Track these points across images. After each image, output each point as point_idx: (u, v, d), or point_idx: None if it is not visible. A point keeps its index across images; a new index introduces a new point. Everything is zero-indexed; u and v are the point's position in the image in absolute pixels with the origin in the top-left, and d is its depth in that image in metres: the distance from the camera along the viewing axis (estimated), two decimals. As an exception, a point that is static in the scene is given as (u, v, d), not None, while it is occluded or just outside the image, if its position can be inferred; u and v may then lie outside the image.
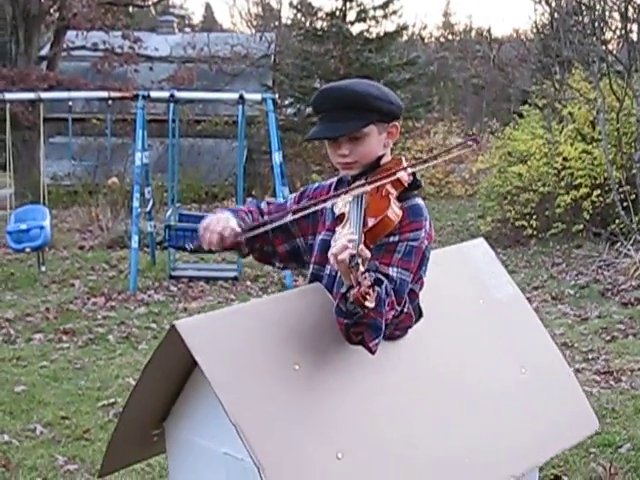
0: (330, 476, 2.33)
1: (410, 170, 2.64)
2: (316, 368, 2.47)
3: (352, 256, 2.24)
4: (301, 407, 2.39)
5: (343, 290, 2.39)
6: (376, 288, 2.33)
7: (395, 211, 2.48)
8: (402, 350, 2.70)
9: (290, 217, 2.78)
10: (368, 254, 2.30)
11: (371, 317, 2.39)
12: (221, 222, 2.65)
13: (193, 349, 2.32)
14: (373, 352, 2.49)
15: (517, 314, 3.21)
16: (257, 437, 2.25)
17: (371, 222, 2.43)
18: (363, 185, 2.57)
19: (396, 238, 2.56)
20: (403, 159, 2.68)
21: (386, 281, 2.47)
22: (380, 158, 2.68)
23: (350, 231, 2.38)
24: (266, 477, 2.20)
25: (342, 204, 2.55)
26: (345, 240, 2.31)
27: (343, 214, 2.50)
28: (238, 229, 2.67)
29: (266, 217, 2.84)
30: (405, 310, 2.62)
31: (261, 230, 2.73)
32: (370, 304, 2.23)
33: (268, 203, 2.95)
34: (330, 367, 2.50)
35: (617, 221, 11.04)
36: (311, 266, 2.79)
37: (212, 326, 2.44)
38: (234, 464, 2.47)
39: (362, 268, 2.23)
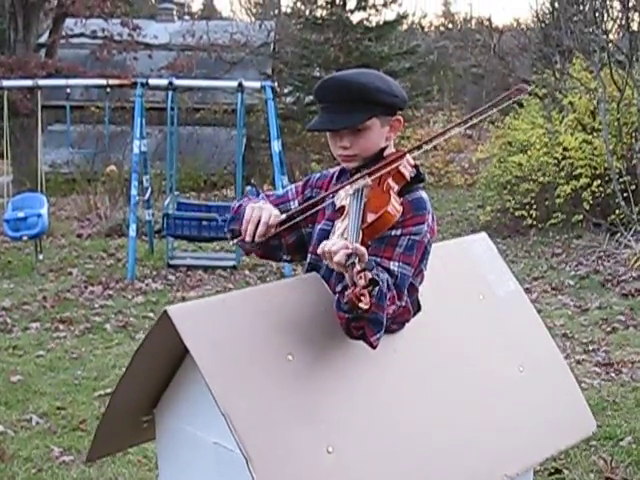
0: (319, 470, 2.31)
1: (410, 157, 2.61)
2: (310, 359, 2.44)
3: (348, 255, 2.20)
4: (293, 399, 2.37)
5: (339, 289, 2.36)
6: (377, 287, 2.29)
7: (395, 207, 2.43)
8: (399, 344, 2.66)
9: (317, 207, 2.69)
10: (364, 252, 2.24)
11: (372, 312, 2.33)
12: (264, 211, 2.56)
13: (184, 335, 2.30)
14: (374, 347, 2.45)
15: (517, 311, 3.18)
16: (246, 428, 2.23)
17: (370, 217, 2.39)
18: (364, 177, 2.52)
19: (398, 232, 2.52)
20: (405, 150, 2.64)
21: (387, 275, 2.43)
22: (382, 151, 2.64)
23: (347, 229, 2.33)
24: (254, 469, 2.17)
25: (343, 196, 2.51)
26: (342, 241, 2.26)
27: (343, 207, 2.47)
28: (283, 216, 2.61)
29: (293, 203, 2.79)
30: (403, 304, 2.58)
31: (302, 217, 2.66)
32: (364, 306, 2.19)
33: (267, 196, 2.88)
34: (324, 359, 2.47)
35: (617, 211, 11.01)
36: (309, 256, 2.75)
37: (205, 313, 2.41)
38: (224, 454, 2.45)
39: (358, 267, 2.19)
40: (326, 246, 2.28)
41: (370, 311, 2.31)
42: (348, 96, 2.55)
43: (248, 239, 2.55)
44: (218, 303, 2.50)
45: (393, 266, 2.49)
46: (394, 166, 2.54)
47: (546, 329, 3.23)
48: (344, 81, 2.58)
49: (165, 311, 2.32)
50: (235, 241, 2.68)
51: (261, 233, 2.54)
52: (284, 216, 2.62)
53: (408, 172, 2.56)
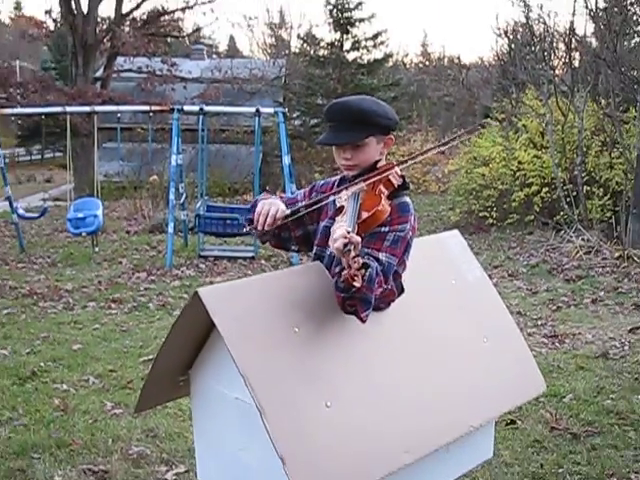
0: (319, 421, 2.31)
1: (398, 169, 2.62)
2: (312, 331, 2.44)
3: (345, 243, 2.20)
4: (298, 363, 2.37)
5: (337, 270, 2.37)
6: (368, 270, 2.32)
7: (385, 207, 2.46)
8: (386, 319, 2.66)
9: (321, 203, 2.69)
10: (359, 240, 2.26)
11: (363, 292, 2.37)
12: (272, 206, 2.57)
13: (212, 312, 2.30)
14: (364, 321, 2.46)
15: (483, 293, 3.16)
16: (260, 386, 2.23)
17: (365, 215, 2.41)
18: (361, 183, 2.54)
19: (386, 229, 2.53)
20: (395, 164, 2.65)
21: (376, 263, 2.44)
22: (377, 162, 2.65)
23: (346, 222, 2.34)
24: (267, 419, 2.19)
25: (342, 198, 2.53)
26: (341, 230, 2.27)
27: (342, 207, 2.48)
28: (288, 211, 2.61)
29: (301, 203, 2.78)
30: (389, 287, 2.58)
31: (304, 212, 2.66)
32: (357, 284, 2.22)
33: (281, 197, 2.88)
34: (324, 331, 2.47)
35: (561, 213, 11.03)
36: (315, 248, 2.76)
37: (228, 294, 2.41)
38: (243, 407, 2.45)
39: (353, 253, 2.20)
40: (333, 234, 2.29)
41: (361, 291, 2.33)
42: (351, 118, 2.56)
43: (259, 228, 2.57)
44: (239, 286, 2.50)
45: (382, 256, 2.50)
46: (385, 175, 2.55)
47: (505, 308, 3.22)
48: (348, 106, 2.59)
49: (196, 292, 2.32)
50: (248, 229, 2.69)
51: (269, 223, 2.55)
52: (289, 211, 2.62)
53: (396, 181, 2.58)
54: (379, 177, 2.54)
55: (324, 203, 2.69)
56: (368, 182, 2.53)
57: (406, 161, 2.73)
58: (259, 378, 2.25)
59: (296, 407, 2.28)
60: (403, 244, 2.58)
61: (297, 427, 2.25)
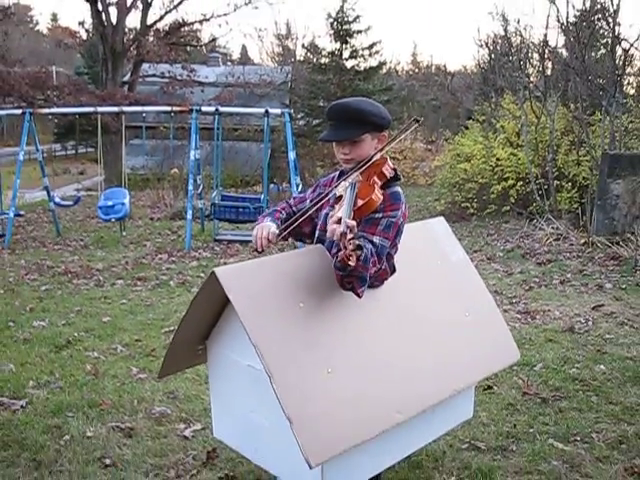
0: (321, 385, 2.32)
1: (380, 154, 2.63)
2: (315, 306, 2.44)
3: (343, 230, 2.21)
4: (303, 334, 2.37)
5: (334, 251, 2.38)
6: (363, 251, 2.32)
7: (378, 195, 2.47)
8: (380, 296, 2.66)
9: (313, 208, 2.74)
10: (354, 224, 2.26)
11: (359, 271, 2.37)
12: (264, 230, 2.62)
13: (227, 289, 2.30)
14: (360, 297, 2.47)
15: (465, 272, 3.16)
16: (270, 355, 2.24)
17: (360, 202, 2.42)
18: (354, 172, 2.56)
19: (380, 215, 2.54)
20: (388, 158, 2.65)
21: (370, 245, 2.45)
22: (372, 157, 2.64)
23: (343, 209, 2.35)
24: (275, 383, 2.20)
25: (341, 189, 2.53)
26: (337, 217, 2.28)
27: (341, 196, 2.49)
28: (277, 231, 2.64)
29: (295, 208, 2.83)
30: (382, 267, 2.58)
31: (294, 225, 2.67)
32: (352, 263, 2.23)
33: (293, 198, 2.93)
34: (326, 306, 2.47)
35: (534, 204, 11.00)
36: (317, 232, 2.77)
37: (241, 273, 2.41)
38: (254, 373, 2.46)
39: (349, 236, 2.21)
40: (330, 224, 2.30)
41: (357, 269, 2.33)
42: (349, 117, 2.57)
43: (259, 250, 2.62)
44: (250, 266, 2.50)
45: (375, 239, 2.51)
46: (373, 162, 2.58)
47: (485, 285, 3.22)
48: (347, 106, 2.59)
49: (213, 271, 2.32)
50: (252, 250, 2.75)
51: (265, 244, 2.60)
52: (277, 231, 2.65)
53: (388, 173, 2.59)
54: (369, 164, 2.56)
55: (326, 199, 2.70)
56: (360, 170, 2.55)
57: (383, 148, 2.74)
58: (268, 347, 2.25)
59: (301, 373, 2.28)
60: (395, 229, 2.58)
61: (302, 390, 2.26)
